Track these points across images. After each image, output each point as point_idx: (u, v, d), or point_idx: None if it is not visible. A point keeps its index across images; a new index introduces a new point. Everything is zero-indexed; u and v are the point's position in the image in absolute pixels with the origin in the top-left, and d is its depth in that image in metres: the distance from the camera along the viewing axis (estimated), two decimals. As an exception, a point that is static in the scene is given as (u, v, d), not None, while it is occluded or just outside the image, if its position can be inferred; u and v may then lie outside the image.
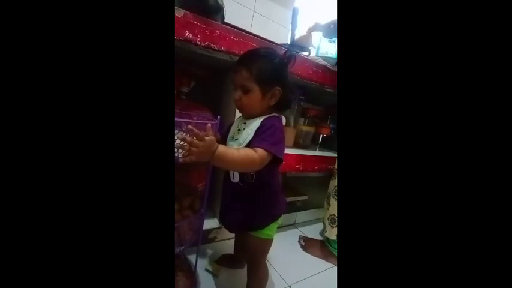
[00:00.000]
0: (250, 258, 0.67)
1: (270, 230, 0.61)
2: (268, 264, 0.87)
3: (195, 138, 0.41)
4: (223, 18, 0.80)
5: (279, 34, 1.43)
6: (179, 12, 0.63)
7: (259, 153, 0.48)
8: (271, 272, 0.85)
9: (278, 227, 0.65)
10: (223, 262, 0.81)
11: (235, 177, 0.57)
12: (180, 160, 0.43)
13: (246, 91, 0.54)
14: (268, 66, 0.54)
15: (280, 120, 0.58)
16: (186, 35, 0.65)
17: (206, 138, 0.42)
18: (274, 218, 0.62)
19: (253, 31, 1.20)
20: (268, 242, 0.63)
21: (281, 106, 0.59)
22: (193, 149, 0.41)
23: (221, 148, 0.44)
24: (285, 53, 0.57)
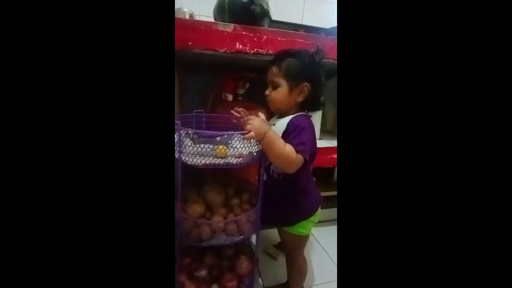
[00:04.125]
0: (286, 252, 0.71)
1: (302, 227, 0.62)
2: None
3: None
4: (271, 19, 0.82)
5: (334, 14, 1.32)
6: (229, 27, 0.69)
7: (298, 156, 0.51)
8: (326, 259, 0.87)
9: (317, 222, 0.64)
10: (282, 247, 0.88)
11: (264, 175, 0.61)
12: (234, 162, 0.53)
13: (275, 86, 0.58)
14: (296, 63, 0.56)
15: (308, 118, 0.58)
16: (237, 46, 0.71)
17: (260, 114, 0.51)
18: (304, 216, 0.62)
19: (304, 22, 1.16)
20: (301, 239, 0.65)
21: (310, 104, 0.60)
22: (250, 123, 0.48)
23: (272, 132, 0.49)
24: (315, 49, 0.58)
